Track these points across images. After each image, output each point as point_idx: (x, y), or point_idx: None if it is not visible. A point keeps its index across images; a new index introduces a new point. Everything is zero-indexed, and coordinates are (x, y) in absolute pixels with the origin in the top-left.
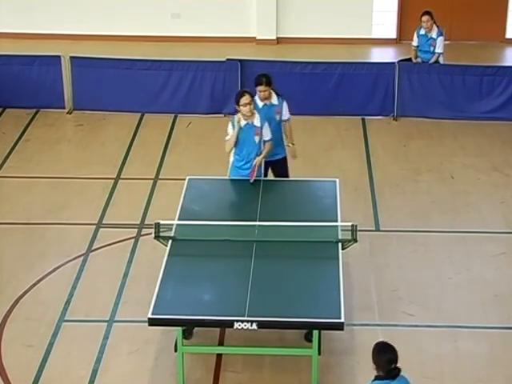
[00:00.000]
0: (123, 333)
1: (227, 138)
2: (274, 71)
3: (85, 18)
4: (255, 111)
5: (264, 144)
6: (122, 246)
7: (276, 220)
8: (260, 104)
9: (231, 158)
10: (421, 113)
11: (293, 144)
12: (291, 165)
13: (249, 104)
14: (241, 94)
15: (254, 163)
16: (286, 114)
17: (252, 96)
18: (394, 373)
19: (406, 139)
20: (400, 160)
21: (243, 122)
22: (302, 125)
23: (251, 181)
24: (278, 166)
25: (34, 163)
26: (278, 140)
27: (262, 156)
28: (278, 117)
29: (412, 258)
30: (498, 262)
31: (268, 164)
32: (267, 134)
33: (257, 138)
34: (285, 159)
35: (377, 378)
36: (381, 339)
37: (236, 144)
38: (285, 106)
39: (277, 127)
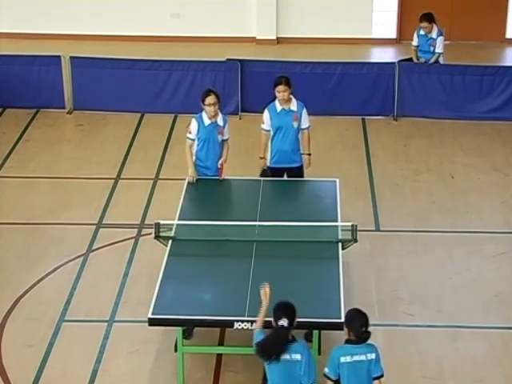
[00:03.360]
0: (123, 333)
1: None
2: (274, 71)
3: (85, 18)
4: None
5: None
6: (122, 246)
7: (276, 220)
8: (278, 109)
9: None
10: (421, 113)
11: (309, 154)
12: None
13: (213, 105)
14: (206, 93)
15: (220, 163)
16: (305, 122)
17: (218, 96)
18: (365, 336)
19: (406, 139)
20: (400, 160)
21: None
22: None
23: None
24: (294, 173)
25: (34, 163)
26: (294, 148)
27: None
28: (295, 124)
29: (412, 258)
30: (498, 262)
31: (283, 171)
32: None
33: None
34: (301, 167)
35: (347, 341)
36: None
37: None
38: (304, 113)
39: (294, 134)
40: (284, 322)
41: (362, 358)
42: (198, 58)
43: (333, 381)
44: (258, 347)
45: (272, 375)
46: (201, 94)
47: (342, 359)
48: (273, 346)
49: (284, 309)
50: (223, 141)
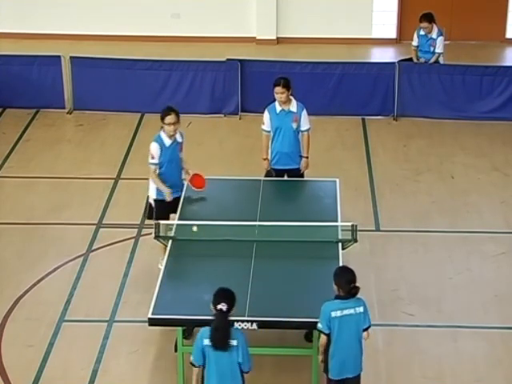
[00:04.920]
0: (123, 333)
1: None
2: (274, 71)
3: (85, 18)
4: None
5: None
6: (122, 246)
7: (276, 220)
8: (278, 109)
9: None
10: (421, 113)
11: (306, 157)
12: None
13: (173, 124)
14: (167, 112)
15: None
16: (305, 124)
17: (178, 115)
18: (354, 291)
19: (406, 139)
20: (400, 160)
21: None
22: None
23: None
24: (294, 175)
25: (34, 163)
26: (294, 150)
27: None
28: (294, 125)
29: (412, 258)
30: (498, 262)
31: (284, 172)
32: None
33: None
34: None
35: (337, 297)
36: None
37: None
38: (304, 114)
39: (293, 136)
40: (223, 307)
41: (351, 311)
42: (198, 58)
43: (326, 334)
44: (210, 339)
45: (210, 363)
46: (197, 97)
47: (333, 314)
48: (219, 333)
49: (223, 294)
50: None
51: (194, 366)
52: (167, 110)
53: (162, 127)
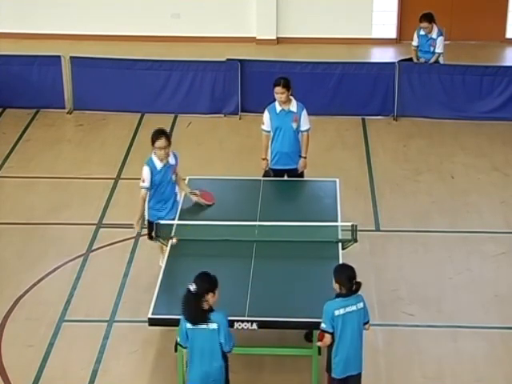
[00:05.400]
0: (123, 333)
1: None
2: (274, 71)
3: (85, 18)
4: None
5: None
6: (122, 246)
7: (276, 220)
8: (278, 109)
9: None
10: (421, 113)
11: (304, 157)
12: None
13: (164, 148)
14: (157, 136)
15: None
16: (304, 124)
17: (169, 138)
18: (356, 287)
19: (406, 139)
20: (400, 160)
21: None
22: None
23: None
24: (294, 175)
25: (34, 163)
26: (294, 150)
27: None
28: (294, 125)
29: (412, 258)
30: (498, 262)
31: (284, 172)
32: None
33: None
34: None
35: (338, 295)
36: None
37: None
38: (304, 114)
39: (293, 136)
40: (191, 287)
41: (353, 308)
42: (198, 58)
43: (330, 333)
44: (184, 316)
45: (192, 344)
46: (197, 97)
47: (336, 312)
48: (186, 309)
49: (198, 276)
50: (177, 176)
51: (182, 346)
52: (157, 133)
53: (153, 149)
